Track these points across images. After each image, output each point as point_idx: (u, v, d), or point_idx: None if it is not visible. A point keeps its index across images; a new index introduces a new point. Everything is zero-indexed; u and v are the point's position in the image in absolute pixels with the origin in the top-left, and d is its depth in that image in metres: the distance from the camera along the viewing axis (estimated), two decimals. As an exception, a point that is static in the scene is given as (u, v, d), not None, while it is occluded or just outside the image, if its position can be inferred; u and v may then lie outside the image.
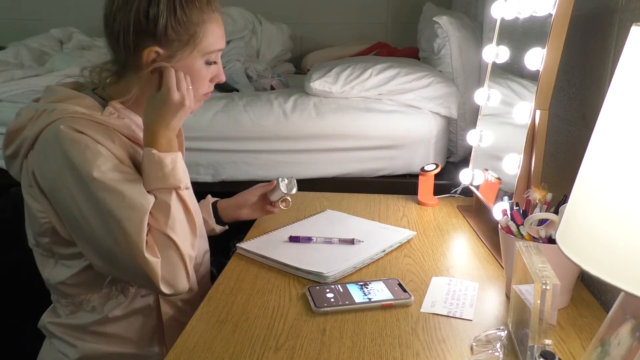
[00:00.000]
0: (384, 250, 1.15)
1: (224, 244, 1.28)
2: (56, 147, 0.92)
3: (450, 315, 0.91)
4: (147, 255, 0.90)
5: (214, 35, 1.00)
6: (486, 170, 1.32)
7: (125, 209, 0.91)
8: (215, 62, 1.04)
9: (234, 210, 1.30)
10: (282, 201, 1.29)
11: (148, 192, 0.95)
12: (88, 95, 1.00)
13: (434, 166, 1.47)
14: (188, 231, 0.98)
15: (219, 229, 1.29)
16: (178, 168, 0.97)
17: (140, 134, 1.01)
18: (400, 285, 0.99)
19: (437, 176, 1.49)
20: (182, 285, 0.96)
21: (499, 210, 0.99)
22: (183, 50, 0.98)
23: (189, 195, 1.03)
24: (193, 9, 0.96)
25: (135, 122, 1.03)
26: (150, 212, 0.93)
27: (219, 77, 1.05)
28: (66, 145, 0.91)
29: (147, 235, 0.92)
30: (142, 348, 1.06)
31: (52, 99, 0.99)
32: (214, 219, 1.28)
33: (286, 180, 1.26)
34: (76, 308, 1.05)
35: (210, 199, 1.31)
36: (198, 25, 0.97)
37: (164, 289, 0.93)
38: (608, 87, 0.57)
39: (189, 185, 1.01)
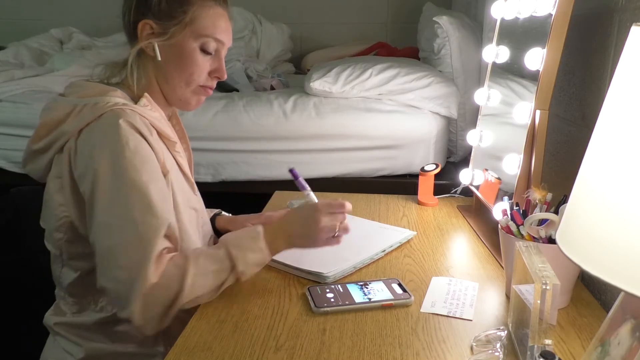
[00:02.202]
0: (384, 250, 1.15)
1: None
2: (103, 139, 0.92)
3: (450, 315, 0.91)
4: (152, 264, 0.87)
5: (210, 20, 1.01)
6: (486, 170, 1.32)
7: (146, 214, 0.89)
8: (212, 53, 1.03)
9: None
10: None
11: (228, 251, 0.94)
12: (118, 89, 1.00)
13: (434, 166, 1.47)
14: (203, 292, 0.92)
15: None
16: (255, 267, 0.96)
17: (166, 127, 1.01)
18: (400, 285, 0.99)
19: (437, 176, 1.49)
20: (142, 320, 0.89)
21: (499, 210, 0.99)
22: (175, 28, 0.99)
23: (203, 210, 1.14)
24: None
25: (162, 116, 1.03)
26: (202, 254, 0.93)
27: (219, 72, 1.05)
28: (111, 137, 0.91)
29: (164, 252, 0.91)
30: (147, 347, 1.06)
31: (83, 93, 0.99)
32: None
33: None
34: (82, 307, 1.04)
35: (240, 220, 1.28)
36: (191, 5, 0.99)
37: (134, 308, 0.87)
38: (608, 87, 0.57)
39: (246, 276, 0.97)
